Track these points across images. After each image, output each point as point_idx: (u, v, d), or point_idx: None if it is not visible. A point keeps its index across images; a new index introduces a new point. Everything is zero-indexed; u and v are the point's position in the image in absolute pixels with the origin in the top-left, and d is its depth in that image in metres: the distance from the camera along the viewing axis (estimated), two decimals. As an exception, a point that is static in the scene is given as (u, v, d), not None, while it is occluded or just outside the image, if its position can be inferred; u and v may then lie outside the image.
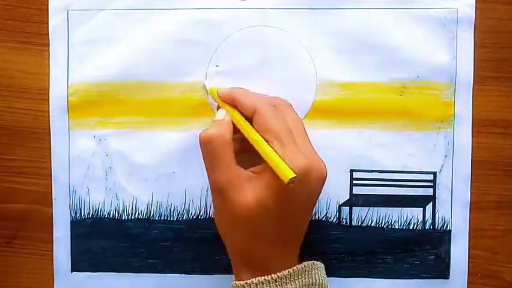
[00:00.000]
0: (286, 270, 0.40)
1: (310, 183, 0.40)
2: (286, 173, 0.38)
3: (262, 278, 0.40)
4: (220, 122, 0.43)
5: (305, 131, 0.43)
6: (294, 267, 0.41)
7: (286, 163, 0.39)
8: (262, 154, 0.40)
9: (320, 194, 0.42)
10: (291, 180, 0.38)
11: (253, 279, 0.40)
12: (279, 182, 0.39)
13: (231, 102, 0.44)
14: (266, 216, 0.40)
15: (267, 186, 0.40)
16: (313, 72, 0.48)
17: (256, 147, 0.41)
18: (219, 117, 0.43)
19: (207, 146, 0.41)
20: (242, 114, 0.43)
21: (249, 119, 0.42)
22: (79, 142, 0.49)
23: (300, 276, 0.41)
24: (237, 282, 0.41)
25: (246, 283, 0.40)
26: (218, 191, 0.41)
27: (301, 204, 0.41)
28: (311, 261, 0.42)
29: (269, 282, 0.40)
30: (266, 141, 0.40)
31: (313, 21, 0.48)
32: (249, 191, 0.40)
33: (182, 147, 0.48)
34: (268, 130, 0.40)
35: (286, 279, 0.40)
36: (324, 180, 0.42)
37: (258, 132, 0.41)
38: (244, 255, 0.42)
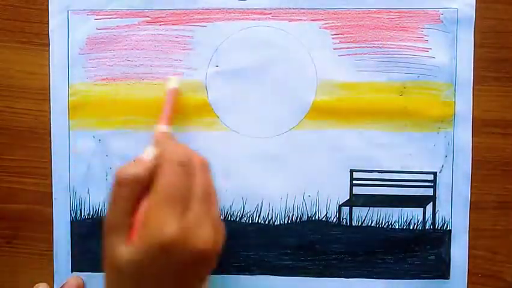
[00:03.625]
0: None
1: (175, 256, 0.36)
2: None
3: None
4: (142, 163, 0.39)
5: (212, 198, 0.40)
6: None
7: (149, 229, 0.36)
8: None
9: (203, 270, 0.39)
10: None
11: None
12: (143, 246, 0.37)
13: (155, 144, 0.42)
14: (128, 274, 0.37)
15: (134, 246, 0.37)
16: (314, 72, 0.48)
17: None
18: (147, 155, 0.40)
19: (118, 187, 0.39)
20: None
21: None
22: (79, 142, 0.49)
23: None
24: None
25: None
26: (108, 229, 0.39)
27: (168, 276, 0.38)
28: None
29: None
30: (149, 199, 0.38)
31: (313, 21, 0.48)
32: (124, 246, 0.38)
33: (182, 147, 0.48)
34: (155, 190, 0.38)
35: None
36: (206, 258, 0.37)
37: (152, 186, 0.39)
38: None
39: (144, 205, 0.38)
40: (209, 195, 0.39)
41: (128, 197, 0.39)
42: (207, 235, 0.37)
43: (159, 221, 0.37)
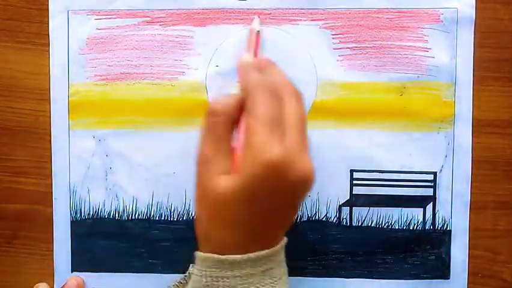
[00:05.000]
0: (242, 256, 0.38)
1: (283, 180, 0.37)
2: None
3: (217, 256, 0.38)
4: (231, 96, 0.40)
5: (304, 127, 0.39)
6: (251, 254, 0.38)
7: (252, 152, 0.36)
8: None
9: (300, 194, 0.39)
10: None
11: (208, 254, 0.39)
12: (249, 170, 0.37)
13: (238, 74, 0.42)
14: (232, 203, 0.38)
15: (237, 174, 0.37)
16: (314, 72, 0.48)
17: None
18: (234, 91, 0.41)
19: (211, 119, 0.40)
20: None
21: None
22: (79, 142, 0.49)
23: (256, 263, 0.39)
24: (199, 253, 0.40)
25: (197, 254, 0.39)
26: (202, 162, 0.40)
27: (274, 200, 0.38)
28: (270, 250, 0.39)
29: (223, 262, 0.38)
30: (248, 125, 0.38)
31: (313, 21, 0.48)
32: (227, 175, 0.38)
33: (182, 147, 0.48)
34: (253, 115, 0.38)
35: (241, 264, 0.38)
36: (305, 182, 0.38)
37: (245, 113, 0.39)
38: (206, 233, 0.40)
39: (242, 132, 0.38)
40: (303, 123, 0.39)
41: (222, 126, 0.39)
42: (308, 161, 0.38)
43: (263, 144, 0.36)
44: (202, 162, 0.40)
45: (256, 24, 0.47)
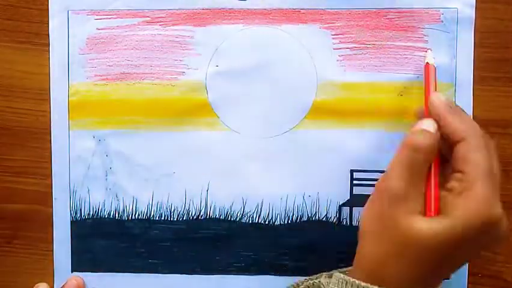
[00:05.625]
0: None
1: (488, 236, 0.37)
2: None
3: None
4: (433, 134, 0.39)
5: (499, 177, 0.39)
6: None
7: (474, 204, 0.36)
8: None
9: (490, 249, 0.40)
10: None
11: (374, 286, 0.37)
12: (466, 219, 0.36)
13: (434, 115, 0.40)
14: (430, 248, 0.36)
15: (447, 219, 0.36)
16: (314, 72, 0.48)
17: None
18: (429, 128, 0.39)
19: (413, 155, 0.38)
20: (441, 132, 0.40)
21: (444, 142, 0.40)
22: (79, 142, 0.49)
23: None
24: (350, 279, 0.38)
25: (361, 284, 0.38)
26: (392, 196, 0.37)
27: (468, 253, 0.38)
28: None
29: None
30: (461, 172, 0.37)
31: (314, 21, 0.48)
32: (425, 217, 0.37)
33: (183, 147, 0.48)
34: (473, 164, 0.37)
35: None
36: (502, 240, 0.38)
37: (457, 160, 0.38)
38: (373, 268, 0.38)
39: (450, 178, 0.38)
40: (500, 173, 0.39)
41: (423, 164, 0.38)
42: (505, 217, 0.37)
43: (488, 198, 0.36)
44: (392, 196, 0.38)
45: (430, 57, 0.45)
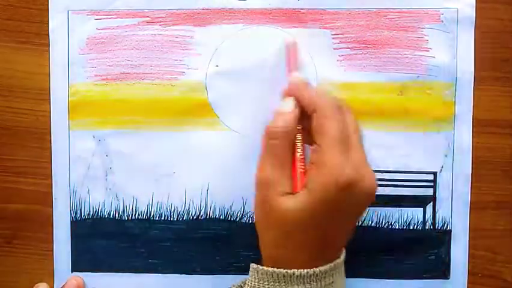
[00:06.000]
0: (308, 270, 0.39)
1: (352, 197, 0.38)
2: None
3: (284, 271, 0.39)
4: (287, 115, 0.41)
5: (361, 139, 0.41)
6: (316, 269, 0.39)
7: (325, 173, 0.38)
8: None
9: (365, 207, 0.42)
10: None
11: (275, 269, 0.39)
12: (321, 190, 0.38)
13: (292, 93, 0.42)
14: (301, 222, 0.39)
15: (307, 193, 0.38)
16: (314, 72, 0.48)
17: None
18: (285, 108, 0.42)
19: (271, 142, 0.40)
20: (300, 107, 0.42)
21: (306, 116, 0.41)
22: (79, 142, 0.49)
23: (319, 278, 0.39)
24: (258, 266, 0.40)
25: (264, 269, 0.40)
26: (264, 184, 0.40)
27: (341, 216, 0.39)
28: (333, 263, 0.40)
29: (290, 277, 0.39)
30: (316, 144, 0.39)
31: (314, 21, 0.48)
32: (292, 195, 0.39)
33: (183, 147, 0.48)
34: (323, 134, 0.39)
35: (305, 279, 0.39)
36: (372, 195, 0.40)
37: (313, 132, 0.40)
38: (271, 253, 0.40)
39: (310, 151, 0.39)
40: (359, 135, 0.41)
41: (283, 147, 0.40)
42: (372, 174, 0.40)
43: (336, 165, 0.38)
44: (264, 184, 0.40)
45: (289, 38, 0.47)
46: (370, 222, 0.48)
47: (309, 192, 0.38)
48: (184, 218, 0.49)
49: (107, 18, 0.48)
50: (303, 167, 0.41)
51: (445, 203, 0.48)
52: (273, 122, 0.41)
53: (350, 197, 0.38)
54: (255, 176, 0.41)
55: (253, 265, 0.41)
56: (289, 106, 0.42)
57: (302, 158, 0.41)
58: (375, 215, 0.48)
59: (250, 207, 0.48)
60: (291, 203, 0.38)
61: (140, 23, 0.48)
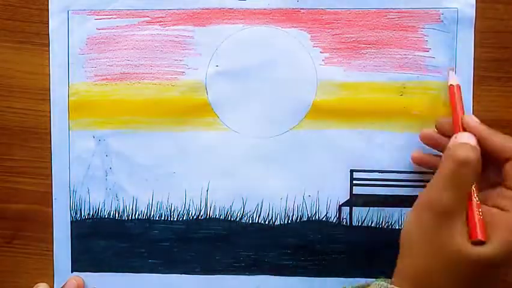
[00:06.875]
0: None
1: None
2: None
3: None
4: (477, 150, 0.39)
5: None
6: None
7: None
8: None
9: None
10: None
11: None
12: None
13: (478, 136, 0.40)
14: (470, 271, 0.37)
15: (498, 240, 0.36)
16: (314, 72, 0.48)
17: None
18: (470, 141, 0.39)
19: (462, 170, 0.37)
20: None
21: (487, 160, 0.40)
22: (79, 142, 0.49)
23: None
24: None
25: None
26: (440, 213, 0.37)
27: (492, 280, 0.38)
28: None
29: None
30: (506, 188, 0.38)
31: (314, 21, 0.48)
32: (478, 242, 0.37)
33: (183, 147, 0.48)
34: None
35: None
36: None
37: (505, 180, 0.38)
38: (418, 278, 0.38)
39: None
40: None
41: (471, 179, 0.37)
42: None
43: None
44: (441, 212, 0.37)
45: (453, 79, 0.46)
46: (370, 223, 0.48)
47: (499, 243, 0.36)
48: (184, 218, 0.49)
49: (107, 18, 0.48)
50: (481, 213, 0.38)
51: (445, 203, 0.48)
52: (462, 150, 0.38)
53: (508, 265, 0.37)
54: (424, 195, 0.39)
55: (382, 283, 0.39)
56: (473, 141, 0.39)
57: (479, 204, 0.38)
58: (375, 215, 0.48)
59: (251, 207, 0.48)
60: (474, 252, 0.36)
61: (140, 23, 0.48)
